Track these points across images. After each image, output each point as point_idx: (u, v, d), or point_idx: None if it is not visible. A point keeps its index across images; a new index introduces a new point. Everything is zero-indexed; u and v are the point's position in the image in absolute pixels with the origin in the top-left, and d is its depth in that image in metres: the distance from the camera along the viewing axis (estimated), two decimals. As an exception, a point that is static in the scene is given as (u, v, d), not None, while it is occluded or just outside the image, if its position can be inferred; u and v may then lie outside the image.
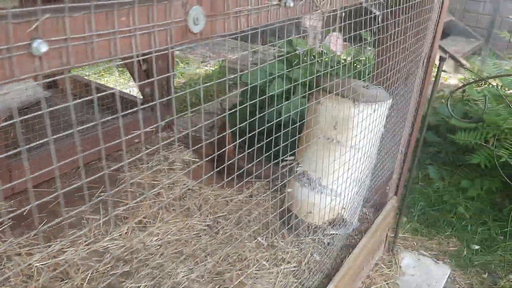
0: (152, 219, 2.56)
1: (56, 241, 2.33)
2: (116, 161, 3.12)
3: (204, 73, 5.87)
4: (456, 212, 3.24)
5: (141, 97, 3.53)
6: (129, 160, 3.08)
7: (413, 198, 3.35)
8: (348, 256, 2.26)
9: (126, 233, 2.45)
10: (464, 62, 5.65)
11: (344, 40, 5.66)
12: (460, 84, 5.40)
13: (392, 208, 2.69)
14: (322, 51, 4.41)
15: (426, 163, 3.74)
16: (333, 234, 2.46)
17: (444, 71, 5.38)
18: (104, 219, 2.48)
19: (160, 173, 3.00)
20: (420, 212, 3.24)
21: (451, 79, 5.76)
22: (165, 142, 3.38)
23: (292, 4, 1.08)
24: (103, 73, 5.42)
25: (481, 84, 4.13)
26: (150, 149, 3.22)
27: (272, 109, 3.68)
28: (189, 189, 2.85)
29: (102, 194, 2.74)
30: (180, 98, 5.10)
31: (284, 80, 3.79)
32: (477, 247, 2.97)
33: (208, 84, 5.49)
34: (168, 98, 3.45)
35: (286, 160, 2.58)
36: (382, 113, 2.27)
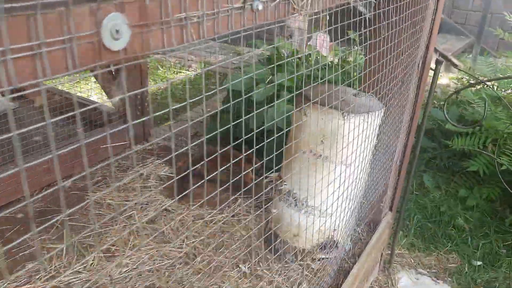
0: (122, 247, 2.29)
1: (8, 279, 2.05)
2: (86, 179, 2.85)
3: (185, 78, 5.60)
4: (455, 224, 3.01)
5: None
6: (97, 177, 2.81)
7: (408, 210, 3.12)
8: (341, 287, 2.02)
9: (91, 264, 2.19)
10: (455, 60, 5.45)
11: (331, 40, 5.44)
12: (452, 84, 5.18)
13: (387, 225, 2.45)
14: (308, 53, 4.18)
15: (420, 170, 3.52)
16: (323, 258, 2.22)
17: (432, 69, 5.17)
18: (64, 247, 2.22)
19: (133, 192, 2.73)
20: (417, 225, 3.01)
21: (442, 78, 5.55)
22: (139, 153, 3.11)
23: (260, 8, 0.83)
24: (79, 81, 5.13)
25: (475, 85, 3.92)
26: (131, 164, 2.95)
27: (251, 114, 3.43)
28: (164, 210, 2.59)
29: (67, 218, 2.47)
30: (161, 106, 4.84)
31: (266, 84, 3.55)
32: (479, 263, 2.75)
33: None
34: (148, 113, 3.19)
35: (270, 177, 2.34)
36: (374, 124, 2.03)
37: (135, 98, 3.14)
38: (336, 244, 2.20)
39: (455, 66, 5.30)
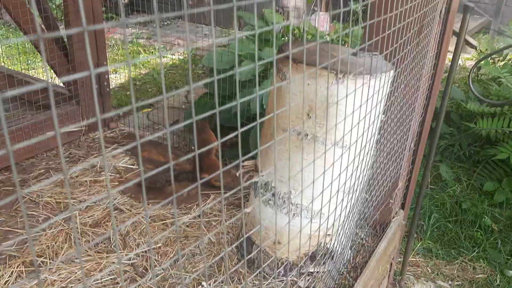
0: (52, 257, 1.75)
1: None
2: (25, 172, 2.32)
3: (170, 62, 5.06)
4: (481, 225, 2.45)
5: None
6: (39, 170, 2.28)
7: (422, 208, 2.56)
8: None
9: (6, 282, 1.65)
10: (471, 40, 4.87)
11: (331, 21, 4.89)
12: (467, 65, 4.60)
13: (398, 227, 1.89)
14: (304, 28, 3.62)
15: (436, 160, 2.95)
16: (314, 273, 1.68)
17: (449, 51, 4.60)
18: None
19: (80, 188, 2.19)
20: (434, 226, 2.45)
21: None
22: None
23: None
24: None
25: (498, 60, 3.35)
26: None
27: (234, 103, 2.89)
28: (115, 209, 2.05)
29: (-6, 220, 1.94)
30: (140, 92, 4.30)
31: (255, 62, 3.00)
32: (513, 273, 2.19)
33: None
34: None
35: (244, 165, 1.79)
36: (381, 92, 1.47)
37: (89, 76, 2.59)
38: (331, 253, 1.65)
39: (472, 46, 4.71)
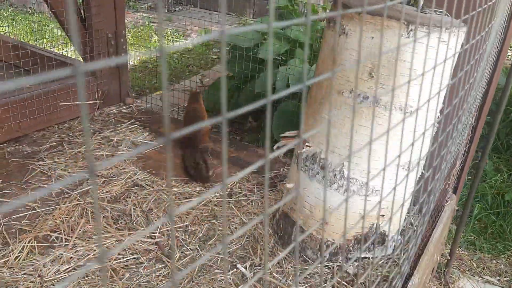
0: (66, 234, 1.56)
1: None
2: (35, 144, 2.12)
3: (185, 48, 4.87)
4: (526, 218, 2.26)
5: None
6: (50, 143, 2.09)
7: (461, 198, 2.37)
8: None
9: (16, 258, 1.46)
10: None
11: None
12: None
13: (451, 214, 1.71)
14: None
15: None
16: (364, 258, 1.49)
17: None
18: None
19: (96, 162, 2.00)
20: (476, 218, 2.26)
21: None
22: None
23: None
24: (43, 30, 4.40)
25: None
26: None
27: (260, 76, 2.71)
28: (135, 185, 1.86)
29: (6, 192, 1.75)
30: (152, 75, 4.11)
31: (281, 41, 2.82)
32: None
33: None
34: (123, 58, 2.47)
35: (285, 136, 1.60)
36: (453, 50, 1.28)
37: (106, 44, 2.40)
38: (384, 237, 1.46)
39: None
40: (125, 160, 2.02)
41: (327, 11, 3.02)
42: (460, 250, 2.16)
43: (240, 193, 1.87)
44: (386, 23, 1.23)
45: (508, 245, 2.15)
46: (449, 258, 1.89)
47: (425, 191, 1.54)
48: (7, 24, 5.14)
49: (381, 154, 1.34)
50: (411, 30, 1.22)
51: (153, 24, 5.42)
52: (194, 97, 2.30)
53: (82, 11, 2.37)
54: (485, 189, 2.46)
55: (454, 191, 1.77)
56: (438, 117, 1.47)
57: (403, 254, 1.60)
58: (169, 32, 5.16)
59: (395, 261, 1.52)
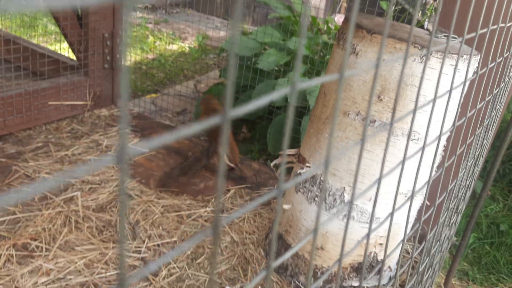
0: (48, 242, 1.48)
1: None
2: (20, 144, 2.03)
3: (179, 50, 4.80)
4: (520, 249, 2.22)
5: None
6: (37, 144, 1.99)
7: (459, 226, 2.33)
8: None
9: (-8, 267, 1.37)
10: None
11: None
12: None
13: (450, 243, 1.66)
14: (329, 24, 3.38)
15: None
16: (357, 287, 1.43)
17: None
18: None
19: (83, 166, 1.92)
20: (470, 246, 2.21)
21: None
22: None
23: None
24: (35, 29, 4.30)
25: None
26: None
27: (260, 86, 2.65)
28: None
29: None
30: (145, 75, 4.03)
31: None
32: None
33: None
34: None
35: (283, 154, 1.54)
36: (465, 77, 1.23)
37: (102, 44, 2.32)
38: (381, 266, 1.40)
39: None
40: (113, 166, 1.94)
41: (330, 25, 2.98)
42: (452, 279, 2.10)
43: (231, 209, 1.80)
44: (399, 46, 1.18)
45: (502, 277, 2.10)
46: (442, 288, 1.84)
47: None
48: (-1, 15, 5.02)
49: (385, 181, 1.28)
50: (423, 53, 1.17)
51: (150, 25, 5.34)
52: (207, 100, 2.14)
53: (79, 9, 2.30)
54: (480, 217, 2.41)
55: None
56: (444, 146, 1.42)
57: (398, 285, 1.55)
58: (165, 35, 5.08)
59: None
